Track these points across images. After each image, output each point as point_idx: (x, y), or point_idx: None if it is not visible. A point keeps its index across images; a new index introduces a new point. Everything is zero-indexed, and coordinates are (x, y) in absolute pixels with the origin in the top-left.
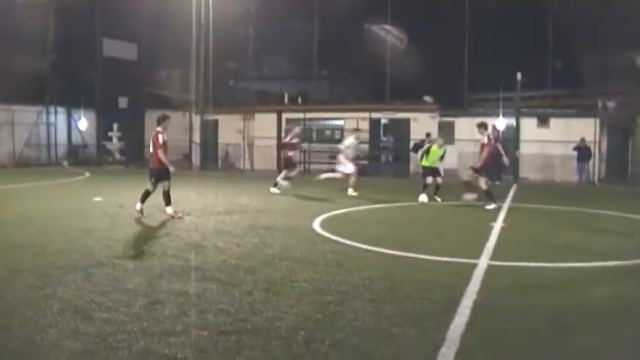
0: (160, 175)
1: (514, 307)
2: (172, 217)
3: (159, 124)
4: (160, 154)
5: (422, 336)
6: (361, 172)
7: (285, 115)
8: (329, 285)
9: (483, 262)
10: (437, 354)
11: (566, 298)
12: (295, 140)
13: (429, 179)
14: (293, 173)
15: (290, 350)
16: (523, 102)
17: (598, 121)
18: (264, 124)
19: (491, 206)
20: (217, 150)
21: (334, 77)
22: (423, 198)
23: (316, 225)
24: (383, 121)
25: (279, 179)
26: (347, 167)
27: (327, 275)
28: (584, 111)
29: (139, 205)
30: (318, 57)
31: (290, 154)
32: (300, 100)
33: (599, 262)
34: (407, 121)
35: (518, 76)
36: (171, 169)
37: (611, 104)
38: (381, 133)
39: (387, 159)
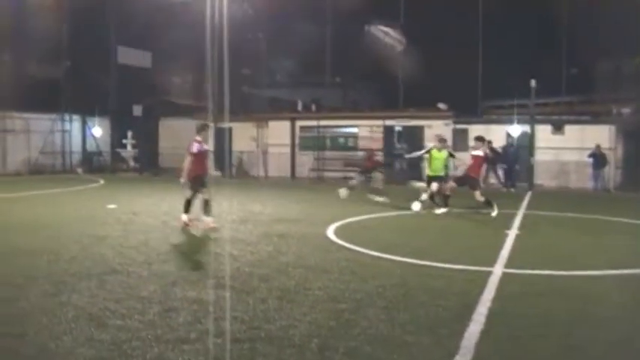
0: (196, 183)
1: (528, 314)
2: (186, 226)
3: (198, 132)
4: (186, 162)
5: (436, 344)
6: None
7: (298, 123)
8: (343, 293)
9: (498, 270)
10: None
11: (580, 306)
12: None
13: (434, 185)
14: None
15: (304, 358)
16: (537, 109)
17: (613, 127)
18: (278, 132)
19: (494, 212)
20: (231, 157)
21: (347, 84)
22: (416, 207)
23: (330, 232)
24: (397, 128)
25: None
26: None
27: (340, 283)
28: (598, 117)
29: (207, 219)
30: (331, 64)
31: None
32: (313, 107)
33: (614, 270)
34: (421, 129)
35: (533, 82)
36: (181, 180)
37: (625, 110)
38: (395, 140)
39: (401, 166)
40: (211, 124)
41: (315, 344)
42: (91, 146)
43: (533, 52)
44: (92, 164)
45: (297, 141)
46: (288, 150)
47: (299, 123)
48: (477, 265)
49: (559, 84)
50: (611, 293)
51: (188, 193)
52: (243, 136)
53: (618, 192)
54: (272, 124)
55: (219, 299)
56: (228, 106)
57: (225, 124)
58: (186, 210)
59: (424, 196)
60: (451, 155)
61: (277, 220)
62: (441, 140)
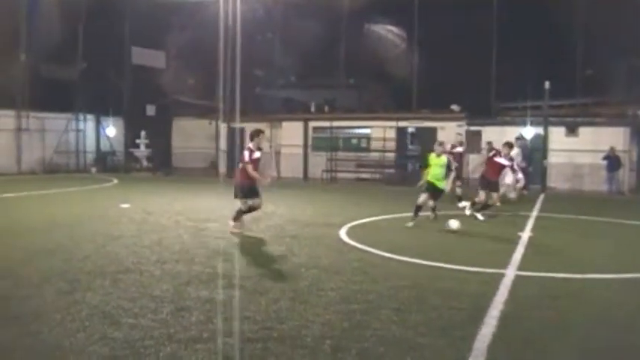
0: (249, 191)
1: (542, 318)
2: (232, 233)
3: (252, 139)
4: (249, 169)
5: (449, 346)
6: (388, 181)
7: (311, 124)
8: (355, 294)
9: (511, 273)
10: None
11: (596, 310)
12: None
13: (423, 197)
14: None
15: (316, 359)
16: (551, 110)
17: (628, 129)
18: (291, 133)
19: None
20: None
21: (360, 85)
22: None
23: (342, 233)
24: (410, 129)
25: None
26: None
27: (353, 284)
28: (613, 119)
29: (231, 223)
30: (345, 65)
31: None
32: (327, 108)
33: (627, 273)
34: (434, 130)
35: (547, 84)
36: (265, 181)
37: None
38: (408, 141)
39: (415, 167)
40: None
41: (328, 345)
42: (104, 146)
43: (548, 53)
44: (106, 164)
45: (309, 142)
46: (300, 151)
47: (312, 124)
48: (489, 267)
49: (573, 85)
50: (627, 297)
51: (241, 203)
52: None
53: (633, 195)
54: (285, 124)
55: (231, 299)
56: (241, 107)
57: (238, 125)
58: (237, 217)
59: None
60: (448, 167)
61: (290, 221)
62: (440, 144)
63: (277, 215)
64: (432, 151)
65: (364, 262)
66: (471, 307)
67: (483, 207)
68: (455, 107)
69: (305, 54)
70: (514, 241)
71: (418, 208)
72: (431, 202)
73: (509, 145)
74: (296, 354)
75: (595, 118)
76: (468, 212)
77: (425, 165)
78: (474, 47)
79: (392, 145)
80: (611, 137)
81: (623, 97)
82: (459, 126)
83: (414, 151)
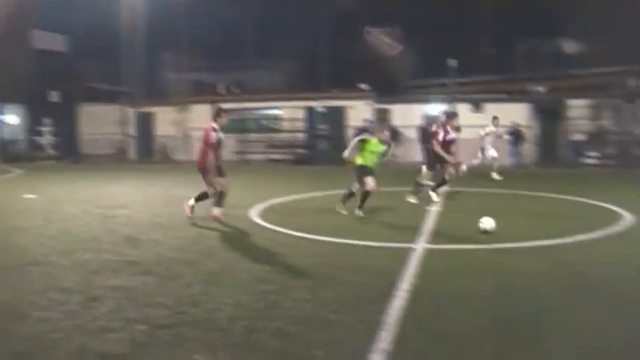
0: (218, 174)
1: (452, 289)
2: (216, 220)
3: (214, 119)
4: (210, 154)
5: (359, 321)
6: (299, 161)
7: (220, 106)
8: (268, 274)
9: (420, 246)
10: (374, 338)
11: (500, 278)
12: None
13: (356, 187)
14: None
15: (230, 341)
16: (457, 88)
17: (530, 105)
18: (200, 116)
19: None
20: (154, 143)
21: (271, 66)
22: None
23: (254, 215)
24: (319, 109)
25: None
26: (491, 152)
27: (265, 264)
28: (516, 96)
29: (215, 210)
30: (255, 46)
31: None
32: (235, 89)
33: (531, 241)
34: (343, 109)
35: (452, 62)
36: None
37: (540, 89)
38: (317, 121)
39: (325, 147)
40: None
41: (242, 326)
42: (6, 134)
43: (454, 32)
44: (7, 153)
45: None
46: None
47: (221, 106)
48: (399, 241)
49: (479, 63)
50: (531, 264)
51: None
52: (165, 120)
53: (536, 168)
54: (194, 107)
55: (142, 286)
56: (150, 91)
57: (147, 109)
58: (199, 198)
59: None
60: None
61: (200, 205)
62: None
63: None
64: (372, 133)
65: (276, 242)
66: (382, 282)
67: (440, 184)
68: (363, 86)
69: (215, 36)
70: (423, 215)
71: (365, 195)
72: (356, 187)
73: (453, 116)
74: (210, 337)
75: (499, 95)
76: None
77: (360, 148)
78: (383, 26)
79: (302, 125)
80: (515, 113)
81: (525, 74)
82: (367, 104)
83: (324, 130)
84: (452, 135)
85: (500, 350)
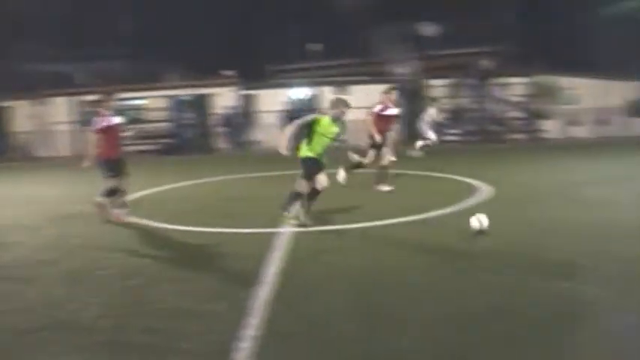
0: (115, 166)
1: (319, 270)
2: (121, 221)
3: (96, 106)
4: (93, 142)
5: (229, 309)
6: (166, 151)
7: (82, 98)
8: (135, 269)
9: (287, 230)
10: (244, 325)
11: (368, 257)
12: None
13: (303, 185)
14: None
15: (96, 340)
16: (322, 71)
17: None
18: (60, 109)
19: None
20: (11, 140)
21: (134, 55)
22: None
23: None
24: (184, 97)
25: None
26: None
27: (132, 259)
28: (376, 77)
29: (100, 197)
30: (120, 35)
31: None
32: (94, 80)
33: (396, 218)
34: (209, 97)
35: (315, 46)
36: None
37: (402, 70)
38: (182, 110)
39: (191, 136)
40: None
41: (108, 324)
42: None
43: (317, 16)
44: None
45: (80, 117)
46: (71, 127)
47: (82, 98)
48: (266, 227)
49: (342, 47)
50: (400, 239)
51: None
52: (24, 115)
53: (401, 147)
54: (53, 100)
55: (1, 292)
56: (5, 83)
57: (3, 104)
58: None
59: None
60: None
61: (64, 202)
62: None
63: (51, 196)
64: (321, 112)
65: (144, 235)
66: (251, 269)
67: (355, 167)
68: (228, 72)
69: (77, 25)
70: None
71: (297, 196)
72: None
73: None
74: (75, 338)
75: (362, 77)
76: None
77: (305, 133)
78: (244, 12)
79: (167, 114)
80: (379, 94)
81: (386, 56)
82: (231, 91)
83: (189, 119)
84: (393, 110)
85: (365, 329)
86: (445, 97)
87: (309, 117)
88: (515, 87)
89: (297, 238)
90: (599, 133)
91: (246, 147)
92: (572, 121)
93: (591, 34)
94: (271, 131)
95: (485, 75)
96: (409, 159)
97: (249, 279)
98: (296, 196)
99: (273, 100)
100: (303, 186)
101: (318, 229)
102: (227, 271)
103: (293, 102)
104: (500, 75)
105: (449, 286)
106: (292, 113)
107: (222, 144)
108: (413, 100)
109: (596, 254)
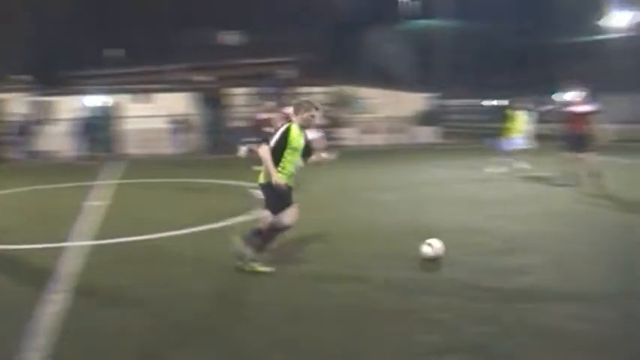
0: None
1: (117, 282)
2: None
3: None
4: None
5: (13, 331)
6: None
7: None
8: None
9: (83, 243)
10: (28, 347)
11: (166, 266)
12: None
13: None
14: None
15: None
16: (122, 78)
17: (196, 95)
18: None
19: None
20: None
21: None
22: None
23: None
24: None
25: None
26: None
27: None
28: (176, 86)
29: None
30: None
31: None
32: None
33: (197, 227)
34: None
35: (114, 52)
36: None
37: (201, 78)
38: None
39: None
40: None
41: None
42: None
43: (121, 23)
44: None
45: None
46: None
47: None
48: (58, 241)
49: (144, 53)
50: (195, 248)
51: None
52: None
53: (203, 156)
54: None
55: None
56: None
57: None
58: None
59: None
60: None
61: None
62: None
63: None
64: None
65: None
66: (38, 287)
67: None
68: (21, 77)
69: None
70: (85, 212)
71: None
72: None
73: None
74: None
75: (164, 85)
76: None
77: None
78: (49, 15)
79: None
80: (182, 102)
81: (189, 63)
82: (25, 97)
83: None
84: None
85: (159, 345)
86: (245, 106)
87: (282, 128)
88: (316, 96)
89: (95, 250)
90: (392, 140)
91: (39, 156)
92: (368, 129)
93: (387, 49)
94: (66, 140)
95: (285, 84)
96: (209, 166)
97: (37, 298)
98: (257, 235)
99: (69, 107)
100: (267, 222)
101: (119, 241)
102: (13, 291)
103: (89, 110)
104: (300, 84)
105: (246, 293)
106: (88, 121)
107: (13, 154)
108: (214, 108)
109: (376, 255)
